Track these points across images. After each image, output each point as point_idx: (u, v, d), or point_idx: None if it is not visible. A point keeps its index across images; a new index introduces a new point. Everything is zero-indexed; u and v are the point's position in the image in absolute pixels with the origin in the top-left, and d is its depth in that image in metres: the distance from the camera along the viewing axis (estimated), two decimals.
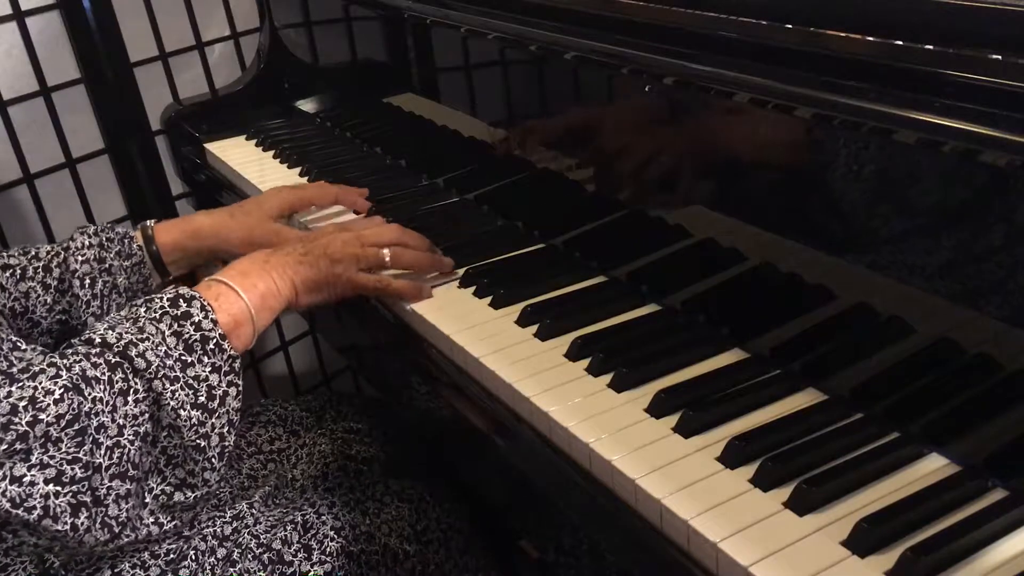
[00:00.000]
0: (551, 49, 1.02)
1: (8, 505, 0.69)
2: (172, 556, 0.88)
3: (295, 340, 1.87)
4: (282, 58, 1.68)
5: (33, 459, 0.70)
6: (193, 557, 0.89)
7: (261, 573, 0.91)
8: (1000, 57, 0.62)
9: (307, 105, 1.71)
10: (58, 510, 0.71)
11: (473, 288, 1.03)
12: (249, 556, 0.92)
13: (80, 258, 1.01)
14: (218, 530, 0.92)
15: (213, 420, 0.80)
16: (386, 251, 1.02)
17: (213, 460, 0.81)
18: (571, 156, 1.06)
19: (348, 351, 1.41)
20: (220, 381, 0.81)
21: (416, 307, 1.00)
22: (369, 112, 1.53)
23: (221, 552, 0.91)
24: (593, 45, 0.96)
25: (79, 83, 1.52)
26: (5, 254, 1.03)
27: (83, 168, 1.55)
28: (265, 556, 0.92)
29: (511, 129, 1.16)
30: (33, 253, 1.03)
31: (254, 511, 0.97)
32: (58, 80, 1.49)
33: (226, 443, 0.82)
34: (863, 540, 0.65)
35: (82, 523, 0.73)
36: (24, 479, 0.69)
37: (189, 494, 0.81)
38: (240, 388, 0.83)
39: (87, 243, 1.03)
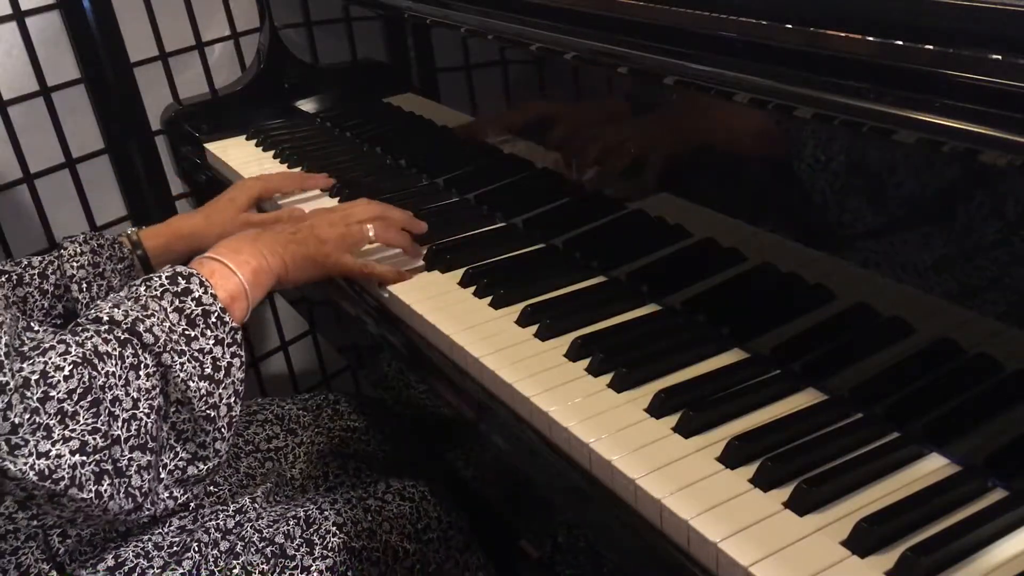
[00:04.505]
0: (551, 49, 1.02)
1: (36, 478, 0.71)
2: (175, 548, 0.89)
3: (295, 340, 1.87)
4: (282, 58, 1.68)
5: (55, 435, 0.72)
6: (196, 549, 0.90)
7: (263, 566, 0.91)
8: (1000, 57, 0.62)
9: (307, 105, 1.71)
10: (83, 479, 0.73)
11: (473, 288, 1.03)
12: (252, 549, 0.92)
13: (75, 264, 1.05)
14: (221, 523, 0.93)
15: (220, 391, 0.83)
16: (369, 226, 1.07)
17: (223, 430, 0.84)
18: (571, 156, 1.06)
19: (348, 351, 1.41)
20: (224, 353, 0.84)
21: (416, 307, 1.00)
22: (369, 112, 1.53)
23: (224, 545, 0.91)
24: (593, 45, 0.96)
25: (79, 83, 1.52)
26: None
27: (83, 168, 1.55)
28: (268, 549, 0.93)
29: (511, 129, 1.16)
30: (26, 262, 1.05)
31: (256, 505, 0.97)
32: (58, 80, 1.49)
33: (233, 412, 0.84)
34: (863, 540, 0.65)
35: (105, 490, 0.75)
36: (51, 453, 0.71)
37: (202, 466, 0.83)
38: (243, 359, 0.86)
39: (79, 250, 1.06)
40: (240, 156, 1.53)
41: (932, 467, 0.72)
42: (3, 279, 1.02)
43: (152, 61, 1.61)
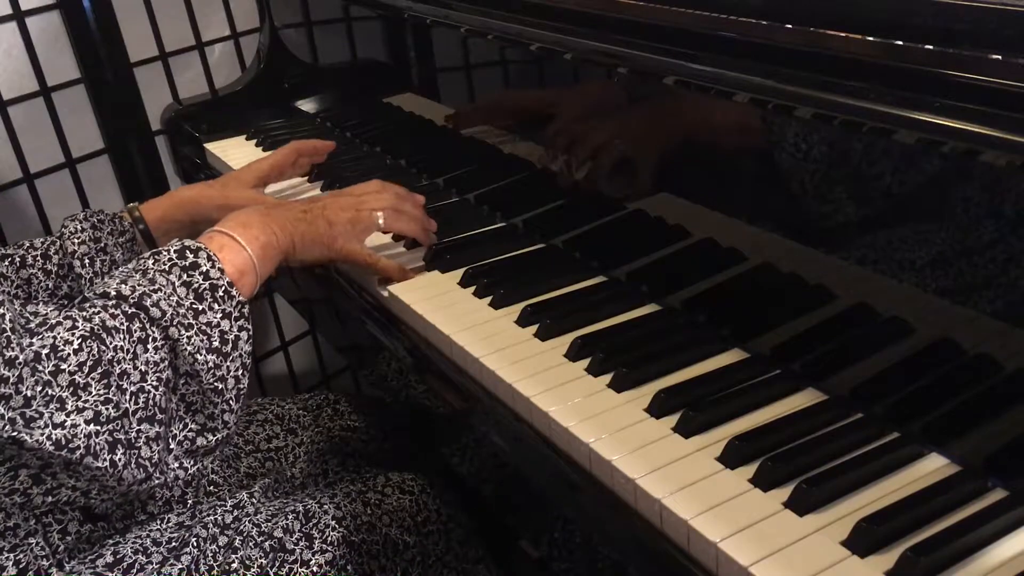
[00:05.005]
0: (551, 49, 1.02)
1: (52, 448, 0.72)
2: (174, 543, 0.89)
3: (295, 340, 1.87)
4: (282, 58, 1.68)
5: (69, 406, 0.73)
6: (195, 544, 0.89)
7: (262, 560, 0.91)
8: (1000, 57, 0.62)
9: (307, 105, 1.71)
10: (97, 448, 0.74)
11: (473, 288, 1.03)
12: (251, 544, 0.92)
13: (77, 240, 1.04)
14: (219, 518, 0.93)
15: (228, 363, 0.84)
16: (379, 214, 1.06)
17: (231, 402, 0.85)
18: (571, 156, 1.06)
19: (348, 351, 1.41)
20: (231, 326, 0.84)
21: (416, 307, 1.00)
22: (369, 112, 1.53)
23: (223, 540, 0.91)
24: (593, 45, 0.96)
25: (79, 83, 1.52)
26: (1, 248, 1.04)
27: (83, 168, 1.55)
28: (267, 544, 0.92)
29: (511, 129, 1.16)
30: (28, 244, 1.05)
31: (254, 500, 0.97)
32: (58, 80, 1.49)
33: (241, 385, 0.86)
34: (863, 540, 0.65)
35: (120, 459, 0.76)
36: (66, 424, 0.73)
37: (211, 437, 0.85)
38: (251, 332, 0.86)
39: (79, 227, 1.05)
40: (240, 156, 1.53)
41: (932, 467, 0.72)
42: (6, 263, 1.02)
43: (152, 61, 1.61)
